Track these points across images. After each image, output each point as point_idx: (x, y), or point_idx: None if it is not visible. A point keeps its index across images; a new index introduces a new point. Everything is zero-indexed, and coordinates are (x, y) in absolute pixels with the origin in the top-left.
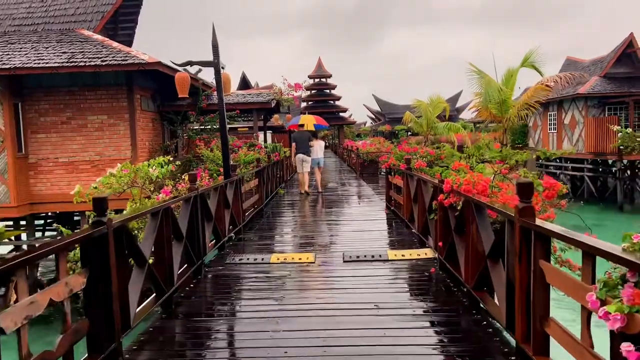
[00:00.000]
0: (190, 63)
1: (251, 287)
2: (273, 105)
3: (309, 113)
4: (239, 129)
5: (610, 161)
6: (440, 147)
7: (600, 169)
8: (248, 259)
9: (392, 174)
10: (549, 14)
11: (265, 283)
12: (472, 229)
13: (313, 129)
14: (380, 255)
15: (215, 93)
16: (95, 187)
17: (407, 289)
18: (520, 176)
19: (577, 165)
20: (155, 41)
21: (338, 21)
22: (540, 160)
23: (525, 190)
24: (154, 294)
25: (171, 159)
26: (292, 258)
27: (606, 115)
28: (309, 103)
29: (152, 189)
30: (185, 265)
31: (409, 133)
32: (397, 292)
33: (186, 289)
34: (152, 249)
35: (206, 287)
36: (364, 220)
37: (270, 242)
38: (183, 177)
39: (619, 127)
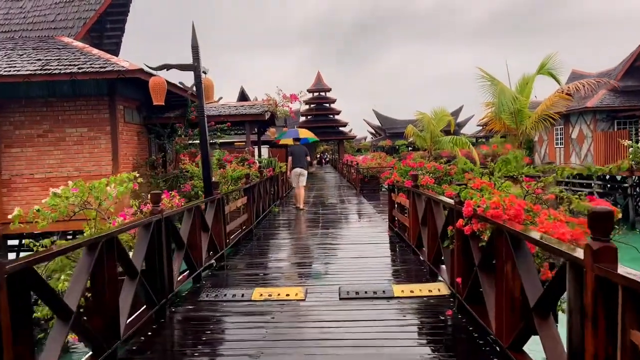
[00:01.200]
0: (167, 66)
1: (224, 337)
2: (267, 117)
3: (308, 128)
4: (235, 143)
5: (619, 177)
6: (452, 161)
7: (609, 186)
8: (225, 295)
9: (396, 191)
10: (547, 30)
11: (242, 330)
12: (506, 267)
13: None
14: (384, 292)
15: (206, 105)
16: (39, 210)
17: (418, 339)
18: (559, 196)
19: (585, 182)
20: (154, 57)
21: (338, 38)
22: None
23: (602, 221)
24: (90, 353)
25: (137, 174)
26: (279, 294)
27: (615, 129)
28: (308, 117)
29: (113, 209)
30: (144, 307)
31: (410, 148)
32: (406, 345)
33: (141, 338)
34: (87, 294)
35: (169, 335)
36: (364, 243)
37: (256, 272)
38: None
39: (630, 141)
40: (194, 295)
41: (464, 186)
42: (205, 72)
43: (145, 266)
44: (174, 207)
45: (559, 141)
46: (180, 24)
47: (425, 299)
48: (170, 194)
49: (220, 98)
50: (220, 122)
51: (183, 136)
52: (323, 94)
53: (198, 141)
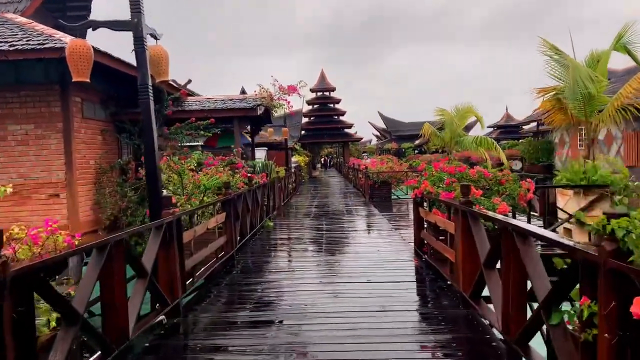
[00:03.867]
0: (93, 24)
1: None
2: (260, 112)
3: (311, 129)
4: (232, 146)
5: None
6: (479, 164)
7: None
8: None
9: (427, 205)
10: (553, 30)
11: None
12: None
13: None
14: None
15: (189, 99)
16: None
17: None
18: None
19: None
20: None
21: (342, 41)
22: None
23: None
24: None
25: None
26: None
27: None
28: (311, 118)
29: None
30: None
31: (416, 151)
32: None
33: None
34: None
35: None
36: (383, 281)
37: (221, 341)
38: None
39: None
40: None
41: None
42: (156, 37)
43: None
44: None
45: (584, 143)
46: (183, 26)
47: None
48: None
49: (190, 81)
50: (201, 118)
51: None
52: (327, 93)
53: (177, 137)
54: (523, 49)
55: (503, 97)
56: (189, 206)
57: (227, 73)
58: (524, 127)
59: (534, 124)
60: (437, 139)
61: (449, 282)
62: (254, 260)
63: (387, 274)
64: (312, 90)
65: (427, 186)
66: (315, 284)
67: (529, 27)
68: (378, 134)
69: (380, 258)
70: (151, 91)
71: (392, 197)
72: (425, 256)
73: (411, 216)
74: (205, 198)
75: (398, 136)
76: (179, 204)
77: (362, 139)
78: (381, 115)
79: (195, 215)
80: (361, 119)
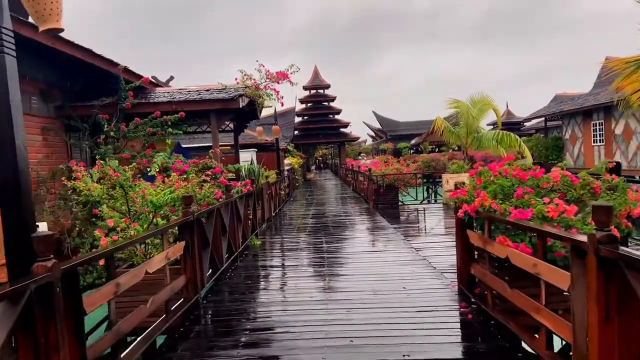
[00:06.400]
0: None
1: None
2: (243, 104)
3: (305, 128)
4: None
5: None
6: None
7: None
8: None
9: (483, 229)
10: (544, 32)
11: None
12: None
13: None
14: None
15: (157, 90)
16: None
17: None
18: None
19: None
20: (145, 59)
21: (334, 40)
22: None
23: None
24: None
25: None
26: None
27: None
28: (305, 117)
29: None
30: None
31: (412, 151)
32: None
33: None
34: None
35: None
36: (423, 354)
37: None
38: None
39: None
40: None
41: None
42: None
43: None
44: None
45: (598, 138)
46: (170, 30)
47: None
48: None
49: (172, 78)
50: (168, 112)
51: (112, 133)
52: (321, 91)
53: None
54: (518, 46)
55: (501, 94)
56: (132, 232)
57: (212, 78)
58: (525, 123)
59: (536, 120)
60: (452, 135)
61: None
62: (229, 307)
63: (426, 335)
64: (305, 88)
65: (484, 198)
66: (318, 348)
67: (524, 23)
68: (373, 134)
69: (408, 301)
70: (10, 39)
71: (401, 203)
72: (477, 300)
73: (428, 227)
74: (158, 220)
75: (393, 136)
76: (118, 230)
77: (359, 138)
78: (376, 115)
79: (141, 250)
80: (355, 120)
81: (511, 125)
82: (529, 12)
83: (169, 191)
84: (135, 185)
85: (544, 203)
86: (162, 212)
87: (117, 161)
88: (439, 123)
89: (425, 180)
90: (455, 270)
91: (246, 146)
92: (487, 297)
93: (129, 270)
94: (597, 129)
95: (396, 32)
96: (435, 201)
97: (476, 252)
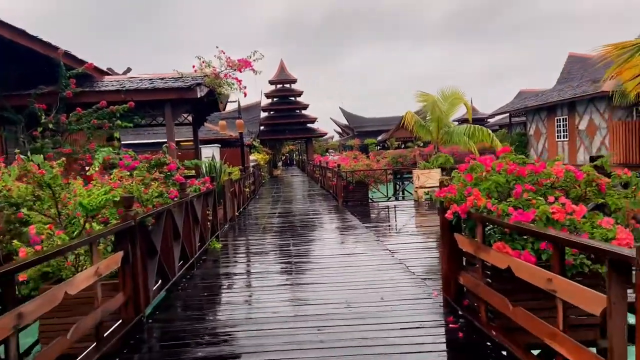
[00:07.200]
0: None
1: None
2: (202, 94)
3: (271, 124)
4: (181, 143)
5: None
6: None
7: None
8: None
9: (478, 234)
10: (509, 29)
11: None
12: None
13: None
14: None
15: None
16: None
17: None
18: None
19: None
20: (120, 59)
21: (303, 38)
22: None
23: None
24: None
25: None
26: None
27: (634, 118)
28: (271, 112)
29: None
30: None
31: (379, 147)
32: None
33: None
34: None
35: None
36: None
37: None
38: None
39: None
40: None
41: None
42: None
43: None
44: None
45: (562, 134)
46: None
47: None
48: None
49: (129, 69)
50: (117, 102)
51: (50, 125)
52: (288, 85)
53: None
54: (483, 43)
55: (466, 91)
56: (59, 241)
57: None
58: (489, 120)
59: (500, 116)
60: (422, 130)
61: None
62: (180, 327)
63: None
64: (271, 83)
65: (477, 197)
66: None
67: (489, 22)
68: (340, 130)
69: (387, 315)
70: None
71: (371, 201)
72: (465, 313)
73: (400, 226)
74: (94, 225)
75: (360, 132)
76: (42, 238)
77: (326, 133)
78: (343, 111)
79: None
80: (323, 115)
81: (475, 121)
82: (492, 12)
83: (103, 191)
84: (66, 184)
85: (548, 202)
86: (101, 215)
87: (41, 156)
88: (409, 117)
89: (394, 177)
90: (437, 276)
91: (209, 141)
92: (480, 311)
93: (39, 295)
94: (561, 125)
95: (367, 31)
96: (404, 198)
97: (465, 259)
